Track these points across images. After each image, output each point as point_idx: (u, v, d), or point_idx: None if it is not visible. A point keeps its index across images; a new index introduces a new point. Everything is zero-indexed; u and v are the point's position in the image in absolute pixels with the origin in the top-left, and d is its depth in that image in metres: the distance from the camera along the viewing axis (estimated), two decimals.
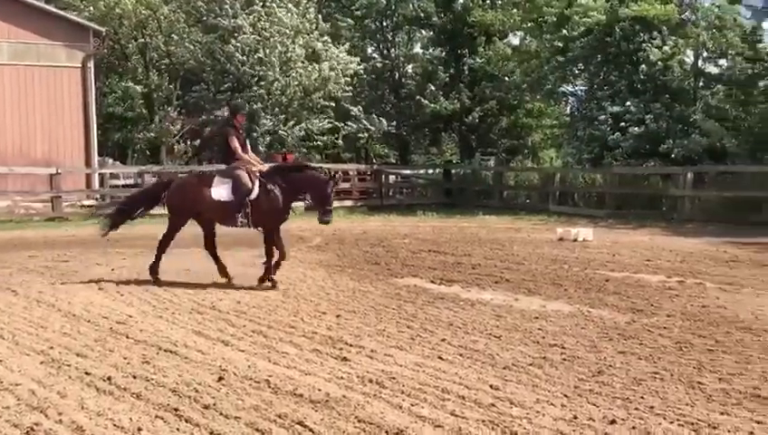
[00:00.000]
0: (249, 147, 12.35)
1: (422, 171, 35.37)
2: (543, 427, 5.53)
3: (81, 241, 17.93)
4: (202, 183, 11.95)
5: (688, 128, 25.26)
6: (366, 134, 33.87)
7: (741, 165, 24.37)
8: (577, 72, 30.67)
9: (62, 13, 27.61)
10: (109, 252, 15.74)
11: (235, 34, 30.40)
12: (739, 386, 6.49)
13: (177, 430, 5.57)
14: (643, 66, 26.19)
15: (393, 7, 34.92)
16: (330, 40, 31.84)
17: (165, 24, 33.41)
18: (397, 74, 36.54)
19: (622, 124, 26.33)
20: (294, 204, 12.29)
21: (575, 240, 17.63)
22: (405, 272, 13.08)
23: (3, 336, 8.28)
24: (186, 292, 11.07)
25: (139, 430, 5.54)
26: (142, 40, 33.84)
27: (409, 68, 37.71)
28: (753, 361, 7.29)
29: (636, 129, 25.78)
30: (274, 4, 30.47)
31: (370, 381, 6.65)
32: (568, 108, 34.50)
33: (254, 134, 29.93)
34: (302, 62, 30.62)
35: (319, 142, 32.25)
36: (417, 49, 38.54)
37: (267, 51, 30.12)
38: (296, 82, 30.28)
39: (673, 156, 24.76)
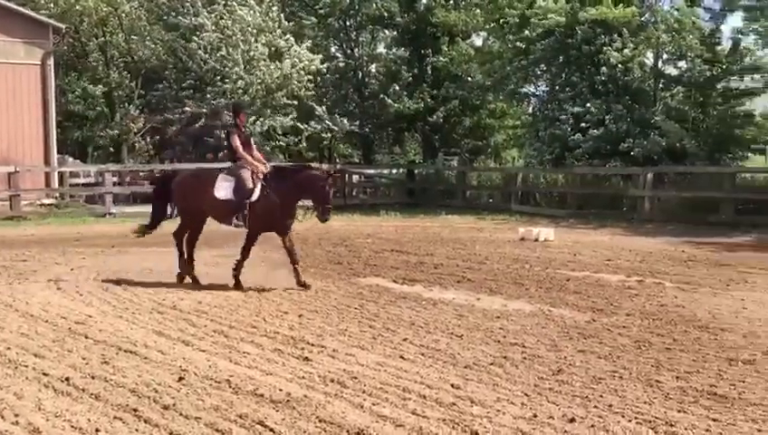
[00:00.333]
0: (254, 146, 12.22)
1: (385, 171, 35.36)
2: (504, 425, 5.56)
3: (39, 240, 17.75)
4: (206, 180, 11.80)
5: (648, 129, 25.52)
6: (329, 134, 33.81)
7: (699, 166, 24.70)
8: (539, 72, 30.84)
9: (21, 9, 27.23)
10: (68, 251, 15.57)
11: (197, 32, 30.21)
12: (696, 384, 6.57)
13: (137, 430, 5.53)
14: (604, 68, 26.41)
15: (356, 7, 34.86)
16: (292, 38, 31.73)
17: (126, 21, 33.12)
18: (360, 74, 36.50)
19: (583, 125, 26.56)
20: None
21: (537, 240, 17.74)
22: (367, 271, 13.09)
23: None
24: (146, 292, 10.99)
25: (98, 431, 5.49)
26: (103, 38, 33.51)
27: (373, 68, 37.71)
28: (710, 359, 7.39)
29: (596, 130, 26.03)
30: (236, 3, 30.33)
31: (332, 380, 6.65)
32: (530, 108, 34.67)
33: (217, 132, 29.77)
34: (265, 61, 30.49)
35: (281, 142, 32.11)
36: (381, 49, 38.58)
37: (230, 49, 29.96)
38: (259, 81, 30.14)
39: (633, 154, 25.01)
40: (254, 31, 30.46)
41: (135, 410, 5.90)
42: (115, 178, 27.65)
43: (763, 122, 27.50)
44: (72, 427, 5.57)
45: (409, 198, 31.36)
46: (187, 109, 29.99)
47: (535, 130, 30.46)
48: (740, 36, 26.72)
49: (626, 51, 25.90)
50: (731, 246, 17.00)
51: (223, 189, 11.49)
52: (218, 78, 30.03)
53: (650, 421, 5.65)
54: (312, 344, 7.94)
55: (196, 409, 5.91)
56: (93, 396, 6.23)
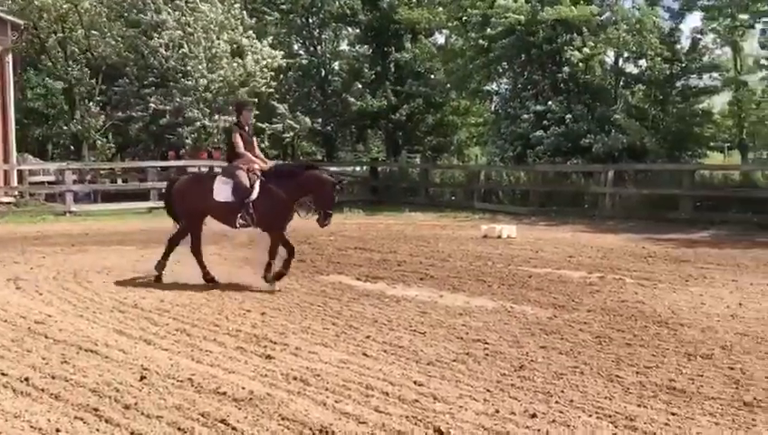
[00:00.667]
0: (256, 144, 11.97)
1: (349, 169, 35.35)
2: (466, 421, 5.58)
3: None
4: (205, 183, 11.64)
5: (609, 126, 25.77)
6: (292, 133, 33.72)
7: (659, 163, 25.01)
8: (501, 70, 31.04)
9: None
10: (27, 250, 15.38)
11: (159, 29, 29.96)
12: (655, 379, 6.65)
13: (97, 430, 5.48)
14: (565, 66, 26.62)
15: (319, 4, 34.84)
16: (255, 36, 31.58)
17: (86, 17, 32.74)
18: (323, 71, 36.45)
19: (545, 123, 26.75)
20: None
21: (499, 237, 17.83)
22: (330, 269, 13.08)
23: None
24: (107, 290, 10.90)
25: (58, 431, 5.44)
26: (62, 34, 33.11)
27: (336, 65, 37.67)
28: (669, 354, 7.47)
29: (558, 128, 26.23)
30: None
31: (295, 378, 6.63)
32: (492, 106, 34.87)
33: (180, 129, 29.56)
34: (228, 58, 30.33)
35: None
36: (344, 46, 38.54)
37: (192, 46, 29.76)
38: (221, 78, 29.97)
39: (594, 151, 25.25)
40: (217, 28, 30.28)
41: (96, 409, 5.84)
42: (75, 177, 27.35)
43: (722, 120, 27.96)
44: (32, 427, 5.51)
45: (373, 196, 31.36)
46: (151, 105, 29.71)
47: (498, 128, 30.64)
48: (699, 35, 27.12)
49: (586, 49, 26.12)
50: (690, 242, 17.21)
51: (222, 192, 11.29)
52: (180, 75, 29.81)
53: (611, 416, 5.71)
54: (275, 342, 7.92)
55: (157, 408, 5.87)
56: (53, 396, 6.16)
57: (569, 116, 26.12)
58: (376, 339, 8.07)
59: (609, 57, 28.42)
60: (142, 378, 6.63)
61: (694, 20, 55.89)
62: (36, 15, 31.85)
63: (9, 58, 26.45)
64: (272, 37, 32.78)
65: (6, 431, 5.42)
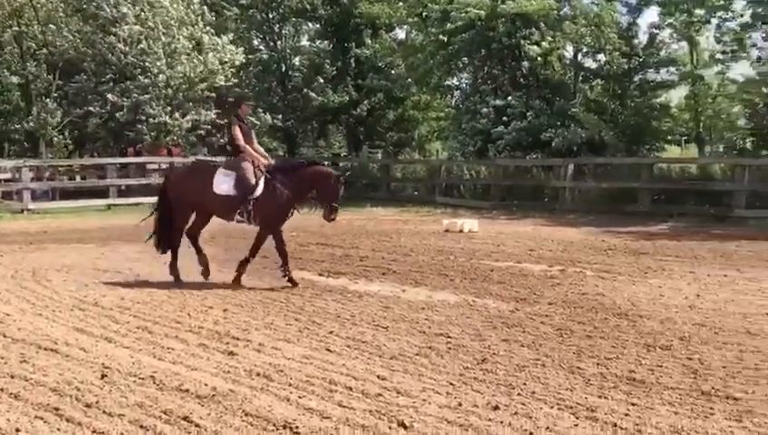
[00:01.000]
0: (255, 139, 11.78)
1: None
2: (429, 415, 5.61)
3: None
4: (204, 174, 11.36)
5: (568, 121, 25.98)
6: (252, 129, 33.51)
7: (618, 157, 25.27)
8: (461, 65, 31.13)
9: None
10: None
11: (118, 24, 29.61)
12: (615, 370, 6.73)
13: (58, 429, 5.43)
14: (525, 61, 26.79)
15: None
16: (214, 31, 31.33)
17: (42, 12, 32.24)
18: (284, 67, 36.31)
19: (505, 118, 26.90)
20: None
21: (461, 231, 17.91)
22: (293, 265, 12.92)
23: None
24: (67, 289, 10.78)
25: (18, 431, 5.38)
26: (18, 29, 32.57)
27: (296, 60, 37.52)
28: (629, 345, 7.57)
29: (519, 122, 26.39)
30: None
31: (258, 374, 6.62)
32: (453, 101, 34.98)
33: (139, 125, 29.26)
34: (188, 54, 30.06)
35: (202, 132, 31.68)
36: (304, 41, 38.38)
37: (151, 42, 29.45)
38: (181, 75, 29.71)
39: (554, 145, 25.45)
40: (176, 24, 30.00)
41: (56, 408, 5.79)
42: (33, 174, 26.99)
43: (679, 114, 28.30)
44: None
45: None
46: (109, 100, 29.35)
47: (458, 123, 30.73)
48: (656, 30, 27.42)
49: (544, 44, 26.29)
50: (648, 234, 17.43)
51: (223, 184, 11.07)
52: (139, 71, 29.50)
53: (572, 407, 5.77)
54: (238, 339, 7.89)
55: (119, 406, 5.83)
56: (13, 396, 6.10)
57: (530, 113, 26.30)
58: (339, 334, 8.08)
59: (568, 52, 28.65)
60: (103, 376, 6.57)
61: (651, 15, 56.71)
62: None
63: None
64: (232, 34, 32.52)
65: None
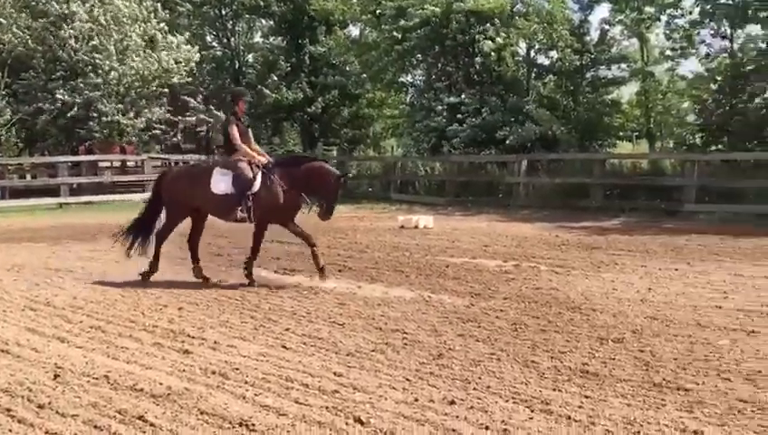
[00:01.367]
0: (252, 137, 11.55)
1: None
2: (386, 410, 5.62)
3: None
4: (201, 175, 11.19)
5: (522, 117, 26.17)
6: (206, 126, 33.33)
7: (571, 152, 25.53)
8: (416, 62, 31.21)
9: None
10: None
11: (68, 21, 29.19)
12: (569, 363, 6.80)
13: (10, 431, 5.35)
14: (478, 58, 26.94)
15: None
16: (167, 29, 31.04)
17: None
18: (237, 63, 36.14)
19: (459, 115, 27.02)
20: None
21: (416, 227, 17.97)
22: None
23: None
24: (18, 288, 10.63)
25: None
26: None
27: (250, 57, 37.36)
28: (582, 339, 7.65)
29: (474, 119, 26.53)
30: None
31: (213, 372, 6.59)
32: (408, 98, 35.07)
33: (91, 123, 28.89)
34: (143, 52, 29.74)
35: (158, 131, 31.41)
36: (258, 38, 38.22)
37: (102, 38, 29.09)
38: (133, 72, 29.39)
39: (508, 142, 25.63)
40: (129, 21, 29.66)
41: (8, 410, 5.71)
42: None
43: (630, 110, 28.68)
44: None
45: None
46: (58, 97, 28.93)
47: (413, 120, 30.82)
48: (607, 27, 27.75)
49: (498, 39, 26.46)
50: (601, 229, 17.62)
51: (221, 183, 10.92)
52: (90, 68, 29.11)
53: (527, 401, 5.82)
54: (193, 337, 7.84)
55: (73, 406, 5.77)
56: None
57: (485, 110, 26.46)
58: (295, 331, 8.06)
59: (522, 49, 28.88)
60: (56, 376, 6.50)
61: (602, 11, 57.29)
62: None
63: None
64: (188, 33, 32.23)
65: None
